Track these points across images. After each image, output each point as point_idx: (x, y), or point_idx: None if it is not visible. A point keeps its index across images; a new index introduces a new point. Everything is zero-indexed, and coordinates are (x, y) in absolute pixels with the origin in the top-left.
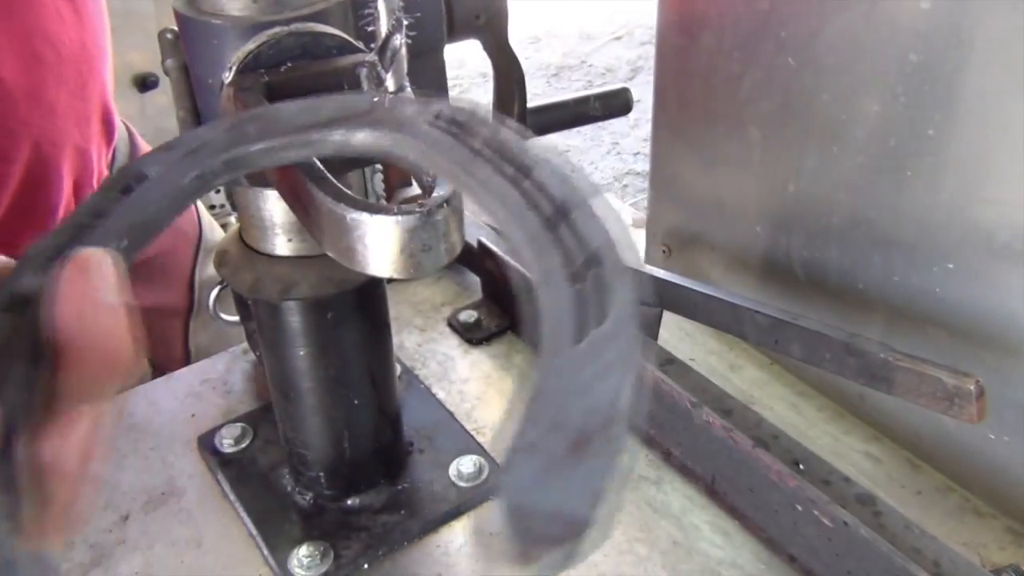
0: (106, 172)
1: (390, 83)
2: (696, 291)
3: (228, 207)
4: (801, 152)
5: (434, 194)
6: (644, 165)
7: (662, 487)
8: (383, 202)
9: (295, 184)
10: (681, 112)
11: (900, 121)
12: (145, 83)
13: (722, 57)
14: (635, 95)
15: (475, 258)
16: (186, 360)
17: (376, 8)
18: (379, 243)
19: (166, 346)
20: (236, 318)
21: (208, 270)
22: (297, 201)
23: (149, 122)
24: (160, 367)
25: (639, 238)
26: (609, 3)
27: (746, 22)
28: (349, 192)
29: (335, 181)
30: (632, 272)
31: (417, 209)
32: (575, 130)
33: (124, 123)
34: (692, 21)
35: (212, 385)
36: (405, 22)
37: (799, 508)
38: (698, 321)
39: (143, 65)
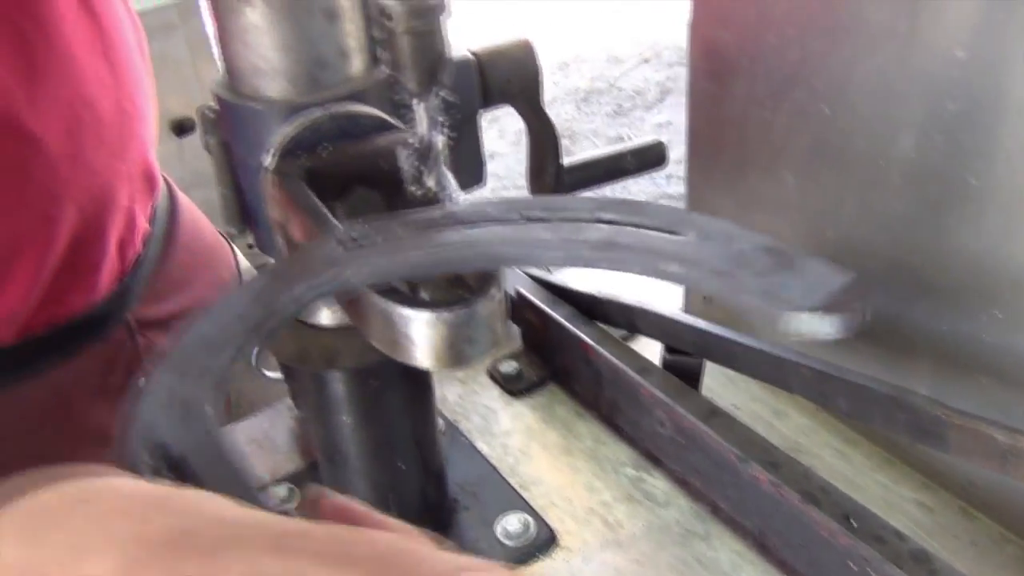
0: (147, 227)
1: (431, 182)
2: (738, 342)
3: (255, 248)
4: (838, 198)
5: (478, 287)
6: (677, 188)
7: (711, 542)
8: (424, 295)
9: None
10: (715, 158)
11: (939, 168)
12: (182, 127)
13: (754, 104)
14: (665, 116)
15: (515, 308)
16: (228, 407)
17: (416, 111)
18: (424, 337)
19: None
20: (279, 374)
21: None
22: (344, 295)
23: (187, 166)
24: None
25: None
26: (636, 25)
27: (778, 71)
28: (396, 287)
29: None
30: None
31: (462, 304)
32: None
33: (162, 175)
34: (724, 70)
35: (258, 444)
36: (445, 124)
37: (853, 566)
38: (741, 372)
39: (180, 110)
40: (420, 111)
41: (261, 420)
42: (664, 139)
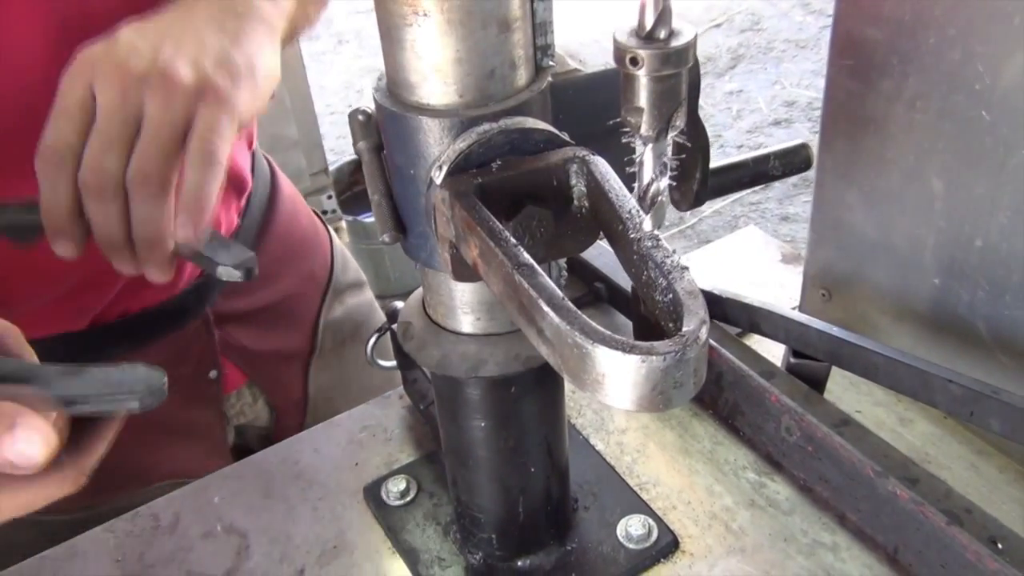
0: (237, 222)
1: (647, 224)
2: (878, 353)
3: (339, 211)
4: (992, 207)
5: (685, 328)
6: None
7: (839, 554)
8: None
9: (528, 305)
10: (851, 157)
11: None
12: None
13: (903, 105)
14: (736, 84)
15: (628, 303)
16: (305, 402)
17: (644, 156)
18: (628, 380)
19: (284, 388)
20: (392, 363)
21: (334, 313)
22: (529, 321)
23: (264, 131)
24: (279, 409)
25: (790, 275)
26: None
27: (933, 72)
28: (596, 325)
29: (578, 311)
30: None
31: (671, 347)
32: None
33: (265, 157)
34: (869, 67)
35: (372, 432)
36: (672, 167)
37: None
38: (878, 383)
39: None
40: (649, 154)
41: (374, 408)
42: (736, 109)
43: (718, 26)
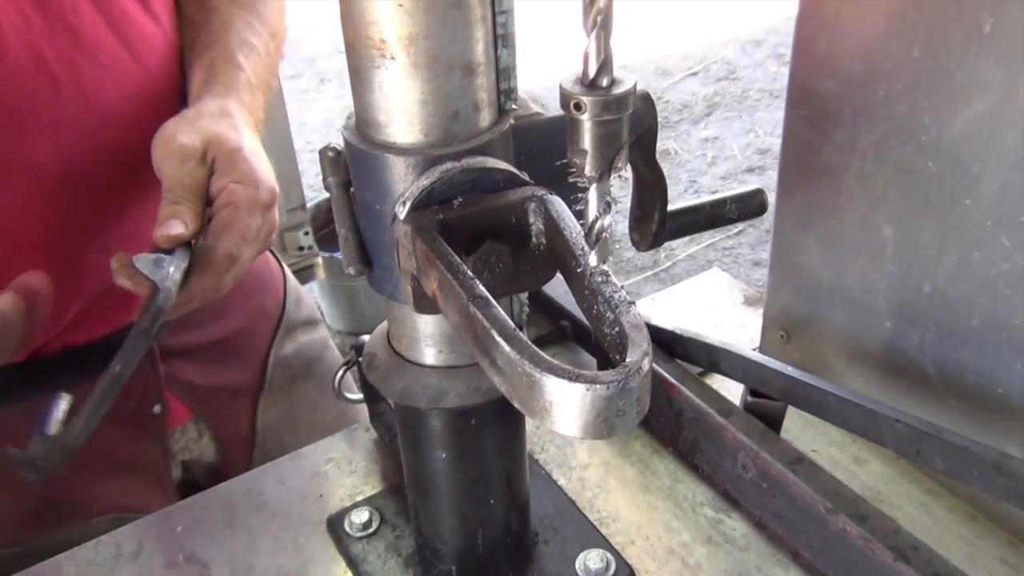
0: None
1: (593, 259)
2: (831, 392)
3: (315, 248)
4: (939, 254)
5: (629, 359)
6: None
7: None
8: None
9: (482, 335)
10: (807, 204)
11: None
12: None
13: (855, 155)
14: (711, 131)
15: (591, 339)
16: (252, 438)
17: (588, 195)
18: (574, 408)
19: (232, 424)
20: (359, 396)
21: (284, 349)
22: (483, 352)
23: None
24: (225, 445)
25: (752, 317)
26: (684, 38)
27: (883, 123)
28: (544, 355)
29: (528, 341)
30: None
31: (614, 377)
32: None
33: None
34: (824, 118)
35: (337, 464)
36: (614, 207)
37: None
38: (830, 422)
39: None
40: (593, 193)
41: (339, 439)
42: (711, 155)
43: (695, 75)
